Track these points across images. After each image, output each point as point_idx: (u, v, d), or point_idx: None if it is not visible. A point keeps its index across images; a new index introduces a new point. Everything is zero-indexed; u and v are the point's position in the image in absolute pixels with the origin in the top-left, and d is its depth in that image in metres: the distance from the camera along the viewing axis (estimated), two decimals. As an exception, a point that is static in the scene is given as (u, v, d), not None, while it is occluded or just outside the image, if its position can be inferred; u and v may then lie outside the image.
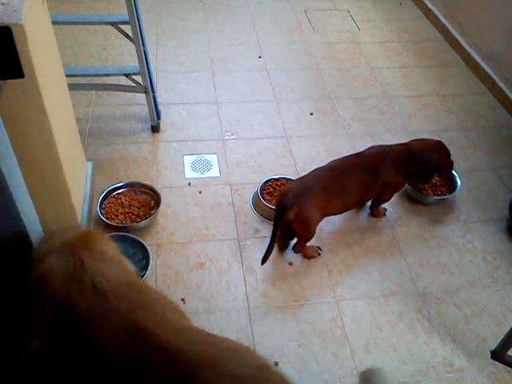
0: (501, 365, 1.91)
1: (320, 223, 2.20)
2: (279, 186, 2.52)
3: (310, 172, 2.22)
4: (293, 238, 2.28)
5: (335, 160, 2.29)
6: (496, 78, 3.34)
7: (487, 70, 3.42)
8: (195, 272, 2.18)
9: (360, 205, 2.50)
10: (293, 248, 2.29)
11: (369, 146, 2.40)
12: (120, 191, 2.46)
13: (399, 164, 2.29)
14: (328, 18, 4.13)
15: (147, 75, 2.66)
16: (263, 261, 2.14)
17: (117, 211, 2.36)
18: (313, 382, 1.84)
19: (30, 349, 1.63)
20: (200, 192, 2.55)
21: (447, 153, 2.43)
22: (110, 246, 1.50)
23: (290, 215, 2.06)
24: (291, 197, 2.07)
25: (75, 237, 1.44)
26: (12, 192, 1.53)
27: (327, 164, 2.27)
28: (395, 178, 2.30)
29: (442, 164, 2.39)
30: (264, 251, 2.14)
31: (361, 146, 2.41)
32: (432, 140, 2.44)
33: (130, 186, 2.49)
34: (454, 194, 2.56)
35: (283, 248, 2.30)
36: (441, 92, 3.37)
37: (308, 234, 2.17)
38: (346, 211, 2.35)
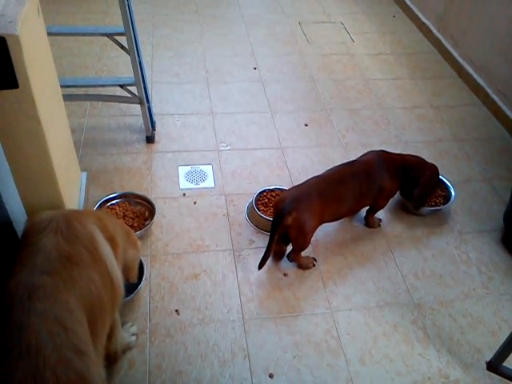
0: (497, 376, 1.90)
1: (315, 233, 2.20)
2: (274, 197, 2.52)
3: (306, 180, 2.22)
4: (288, 244, 2.27)
5: (330, 168, 2.30)
6: (489, 90, 3.37)
7: (480, 82, 3.45)
8: (190, 283, 2.17)
9: (355, 212, 2.51)
10: (288, 256, 2.28)
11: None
12: (114, 202, 2.45)
13: (393, 169, 2.32)
14: (322, 30, 4.17)
15: (142, 86, 2.67)
16: (260, 265, 2.14)
17: (111, 222, 2.35)
18: (308, 394, 1.83)
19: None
20: (195, 203, 2.55)
21: (434, 176, 2.45)
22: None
23: (288, 220, 2.05)
24: (290, 202, 2.07)
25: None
26: (5, 202, 1.53)
27: (323, 172, 2.27)
28: (389, 182, 2.32)
29: (423, 180, 2.39)
30: (259, 261, 2.13)
31: (355, 157, 2.42)
32: (428, 162, 2.45)
33: (124, 196, 2.48)
34: (448, 204, 2.57)
35: (278, 257, 2.30)
36: (434, 103, 3.40)
37: (304, 241, 2.16)
38: (341, 218, 2.38)
